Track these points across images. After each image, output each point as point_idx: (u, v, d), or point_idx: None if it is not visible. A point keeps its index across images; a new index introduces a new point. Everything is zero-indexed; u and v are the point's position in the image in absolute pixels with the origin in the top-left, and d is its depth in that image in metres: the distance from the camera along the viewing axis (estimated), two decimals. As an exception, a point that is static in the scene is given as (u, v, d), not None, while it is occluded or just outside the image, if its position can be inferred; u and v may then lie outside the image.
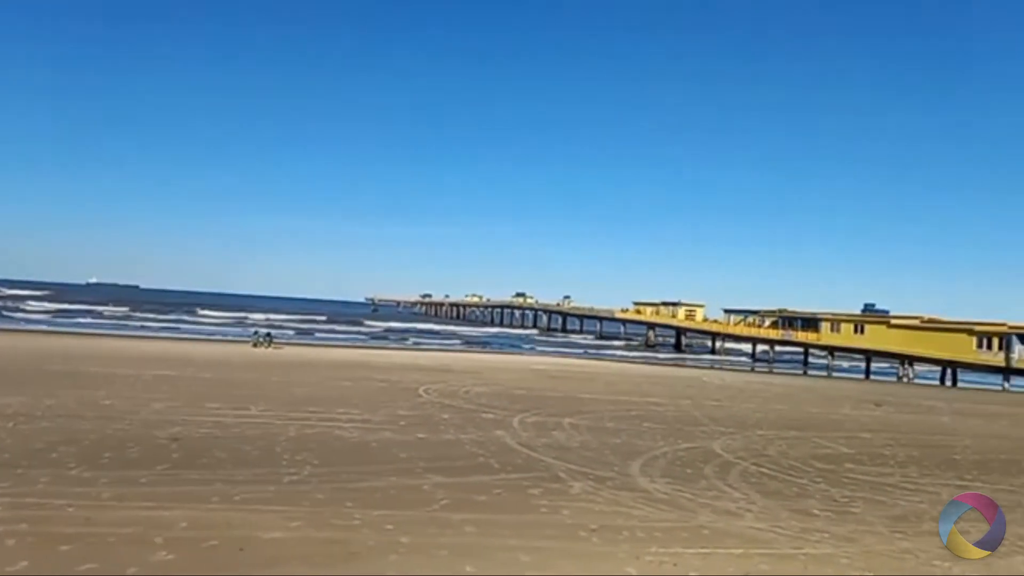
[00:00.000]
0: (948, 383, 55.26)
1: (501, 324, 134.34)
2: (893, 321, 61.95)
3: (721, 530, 10.22)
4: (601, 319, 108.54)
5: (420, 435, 16.60)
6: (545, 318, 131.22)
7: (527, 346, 77.41)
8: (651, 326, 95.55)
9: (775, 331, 73.51)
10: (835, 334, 66.11)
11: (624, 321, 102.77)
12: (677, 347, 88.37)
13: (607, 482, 12.86)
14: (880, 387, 46.04)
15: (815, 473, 15.00)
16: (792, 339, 70.56)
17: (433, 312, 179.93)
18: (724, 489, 12.91)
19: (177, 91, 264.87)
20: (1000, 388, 49.91)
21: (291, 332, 73.83)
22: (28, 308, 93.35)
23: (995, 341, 52.54)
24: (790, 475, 14.61)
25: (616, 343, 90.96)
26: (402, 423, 18.11)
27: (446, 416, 19.77)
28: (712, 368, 56.21)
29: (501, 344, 77.99)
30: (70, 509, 9.48)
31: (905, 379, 56.17)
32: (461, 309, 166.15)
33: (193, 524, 9.15)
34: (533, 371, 38.00)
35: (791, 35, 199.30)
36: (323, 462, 13.17)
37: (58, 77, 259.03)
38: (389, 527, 9.46)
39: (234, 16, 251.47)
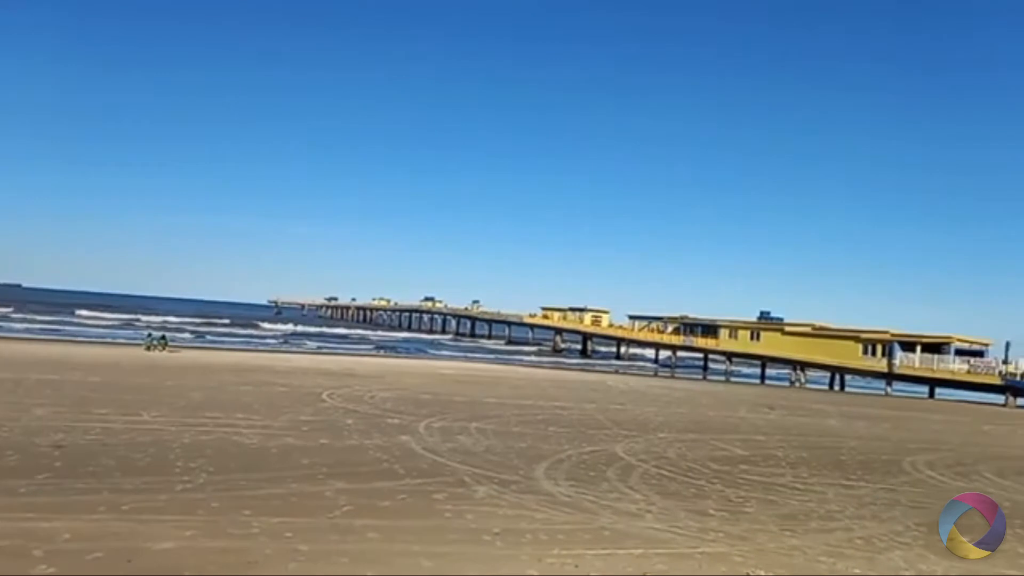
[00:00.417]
0: (837, 387, 58.30)
1: (409, 328, 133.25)
2: (787, 328, 64.85)
3: (622, 531, 10.43)
4: (510, 324, 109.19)
5: (323, 441, 16.26)
6: (454, 322, 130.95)
7: (435, 351, 77.06)
8: (559, 331, 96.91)
9: (677, 337, 75.73)
10: (733, 340, 68.65)
11: (532, 326, 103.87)
12: (584, 352, 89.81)
13: (512, 486, 12.93)
14: (774, 391, 48.10)
15: (712, 474, 15.51)
16: (693, 345, 72.84)
17: (339, 315, 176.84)
18: (625, 491, 13.19)
19: (61, 80, 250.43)
20: (883, 393, 52.94)
21: (188, 335, 71.18)
22: None
23: (879, 348, 55.73)
24: (688, 477, 15.06)
25: (525, 348, 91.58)
26: (304, 428, 17.70)
27: (350, 421, 19.45)
28: (617, 373, 57.37)
29: (409, 349, 77.35)
30: (-63, 522, 8.83)
31: (797, 384, 58.80)
32: (368, 313, 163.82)
33: (77, 535, 8.67)
34: (440, 376, 37.86)
35: (668, 34, 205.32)
36: (219, 469, 12.72)
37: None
38: (288, 535, 9.22)
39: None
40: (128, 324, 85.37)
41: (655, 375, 60.82)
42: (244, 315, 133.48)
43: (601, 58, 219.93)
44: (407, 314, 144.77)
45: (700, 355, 73.10)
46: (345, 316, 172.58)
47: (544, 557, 9.02)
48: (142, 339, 47.54)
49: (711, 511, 12.15)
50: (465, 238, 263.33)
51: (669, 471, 15.46)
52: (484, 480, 13.25)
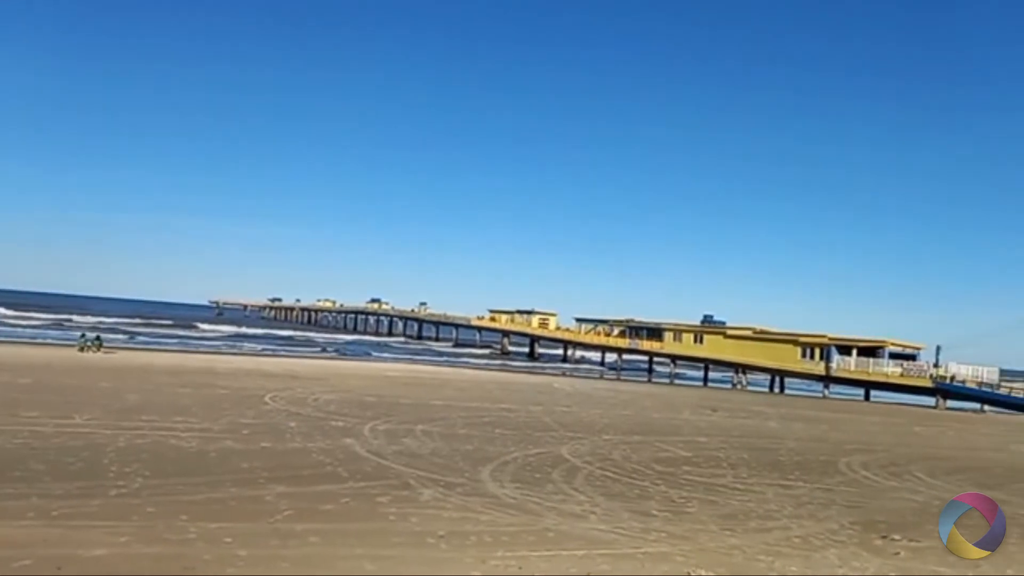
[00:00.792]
0: (777, 390, 59.65)
1: (356, 330, 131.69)
2: (729, 332, 66.07)
3: (565, 532, 10.49)
4: (457, 326, 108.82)
5: (264, 444, 15.96)
6: (401, 324, 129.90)
7: (382, 353, 76.38)
8: (506, 333, 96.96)
9: (623, 340, 76.47)
10: (677, 343, 69.64)
11: (480, 328, 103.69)
12: (531, 355, 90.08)
13: (457, 488, 12.89)
14: (717, 393, 49.01)
15: (655, 475, 15.71)
16: (639, 348, 73.69)
17: (283, 317, 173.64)
18: (570, 492, 13.27)
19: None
20: (821, 395, 54.36)
21: (124, 336, 69.01)
22: None
23: (817, 351, 57.19)
24: (632, 478, 15.23)
25: (472, 350, 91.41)
26: (245, 432, 17.35)
27: (293, 424, 19.14)
28: (563, 375, 57.73)
29: (355, 351, 76.49)
30: None
31: (739, 386, 59.97)
32: (313, 314, 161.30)
33: (3, 543, 8.34)
34: (386, 378, 37.54)
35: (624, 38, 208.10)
36: (156, 473, 12.38)
37: None
38: (227, 540, 9.02)
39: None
40: (58, 324, 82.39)
41: (601, 377, 61.37)
42: (183, 316, 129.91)
43: (553, 61, 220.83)
44: (353, 316, 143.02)
45: (645, 358, 74.01)
46: (289, 317, 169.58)
47: (488, 559, 9.01)
48: (74, 340, 45.96)
49: (654, 512, 12.30)
50: (412, 239, 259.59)
51: (614, 473, 15.60)
52: (429, 483, 13.18)
